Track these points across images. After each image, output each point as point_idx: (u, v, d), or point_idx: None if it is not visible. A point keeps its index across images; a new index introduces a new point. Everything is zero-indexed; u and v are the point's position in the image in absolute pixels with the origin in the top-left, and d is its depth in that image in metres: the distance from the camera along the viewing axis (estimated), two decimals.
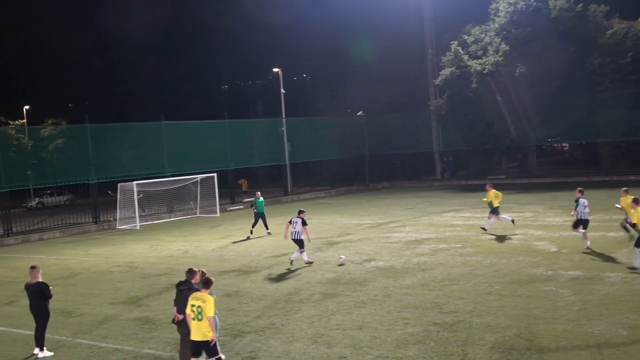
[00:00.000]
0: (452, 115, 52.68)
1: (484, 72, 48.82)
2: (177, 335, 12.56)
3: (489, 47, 50.16)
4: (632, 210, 18.01)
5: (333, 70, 68.61)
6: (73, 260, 27.83)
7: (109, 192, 44.84)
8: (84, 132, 42.10)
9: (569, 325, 13.29)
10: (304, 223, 21.59)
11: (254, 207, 31.06)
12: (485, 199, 26.86)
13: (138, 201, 39.59)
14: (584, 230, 21.28)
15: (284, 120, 53.94)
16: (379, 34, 62.53)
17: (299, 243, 21.70)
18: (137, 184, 39.39)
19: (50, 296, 14.16)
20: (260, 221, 30.83)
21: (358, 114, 62.37)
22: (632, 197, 18.89)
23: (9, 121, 71.42)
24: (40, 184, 42.38)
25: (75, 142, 44.82)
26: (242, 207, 46.19)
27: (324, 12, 67.69)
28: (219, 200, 44.52)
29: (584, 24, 48.15)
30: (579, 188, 22.46)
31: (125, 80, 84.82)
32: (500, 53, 48.73)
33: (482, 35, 51.52)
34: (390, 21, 60.99)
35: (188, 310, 11.42)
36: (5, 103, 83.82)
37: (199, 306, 11.23)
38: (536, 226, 26.94)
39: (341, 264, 21.20)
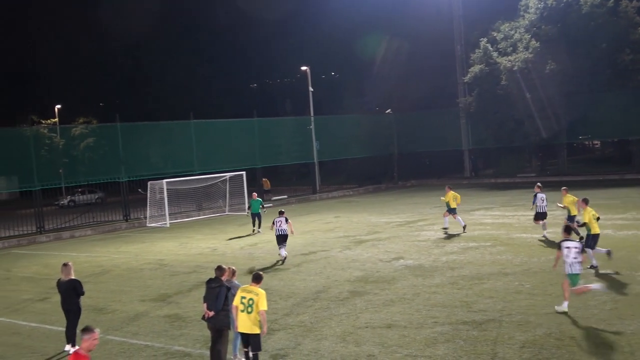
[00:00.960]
0: (481, 112, 52.36)
1: (514, 69, 48.44)
2: (207, 333, 12.64)
3: (518, 44, 49.75)
4: (582, 210, 18.61)
5: (361, 68, 68.47)
6: (104, 257, 28.14)
7: (139, 190, 45.23)
8: (115, 131, 42.49)
9: (601, 324, 13.15)
10: (287, 220, 23.54)
11: (249, 208, 32.28)
12: (443, 199, 28.21)
13: (168, 199, 39.86)
14: (544, 221, 23.82)
15: (312, 119, 53.98)
16: (407, 31, 62.35)
17: (284, 239, 23.44)
18: (166, 182, 39.66)
19: (82, 293, 14.32)
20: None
21: (387, 112, 62.20)
22: (572, 196, 21.79)
23: (41, 120, 72.31)
24: (71, 182, 42.85)
25: (106, 141, 45.31)
26: (271, 205, 46.28)
27: (352, 9, 67.57)
28: (248, 198, 44.64)
29: (616, 20, 47.48)
30: (537, 183, 25.08)
31: (155, 79, 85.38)
32: (530, 50, 48.31)
33: (512, 32, 51.12)
34: (419, 18, 60.68)
35: (237, 302, 11.52)
36: (37, 102, 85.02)
37: (250, 299, 11.35)
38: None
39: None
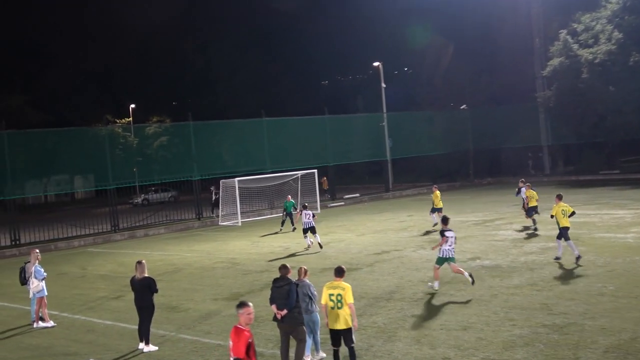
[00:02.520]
0: (561, 107, 51.15)
1: (596, 61, 47.15)
2: (279, 332, 12.71)
3: (600, 35, 48.41)
4: (554, 205, 20.54)
5: (434, 62, 67.80)
6: (177, 256, 28.69)
7: (212, 188, 45.93)
8: (187, 130, 43.23)
9: None
10: (313, 215, 26.65)
11: (285, 210, 34.04)
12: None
13: (240, 198, 40.34)
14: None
15: (384, 115, 53.74)
16: (482, 23, 61.45)
17: (313, 230, 26.76)
18: (238, 180, 40.11)
19: (156, 290, 14.57)
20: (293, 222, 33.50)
21: (461, 107, 61.44)
22: (533, 191, 28.03)
23: (116, 120, 74.18)
24: (145, 181, 43.76)
25: (178, 140, 46.19)
26: (342, 203, 46.32)
27: (424, 2, 66.99)
28: (319, 197, 44.81)
29: None
30: (521, 179, 29.39)
31: (226, 77, 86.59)
32: (612, 41, 46.94)
33: (593, 23, 49.77)
34: (496, 10, 59.75)
35: (325, 301, 11.66)
36: (112, 102, 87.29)
37: (338, 294, 11.50)
38: None
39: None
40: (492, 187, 52.91)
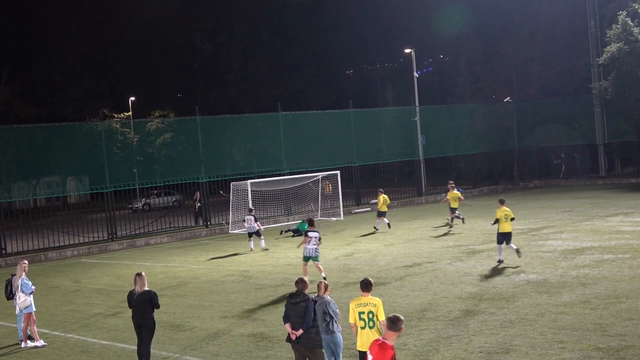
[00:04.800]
0: (620, 99, 50.85)
1: None
2: (293, 355, 12.75)
3: None
4: (497, 209, 23.91)
5: (475, 49, 67.62)
6: (182, 268, 28.85)
7: (221, 192, 46.02)
8: (194, 125, 43.31)
9: None
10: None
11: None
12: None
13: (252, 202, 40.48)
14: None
15: (417, 109, 53.67)
16: (529, 5, 61.13)
17: (258, 233, 31.73)
18: (251, 183, 40.19)
19: (158, 306, 14.60)
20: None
21: (505, 100, 61.22)
22: (456, 192, 34.12)
23: (113, 114, 74.57)
24: (146, 183, 44.00)
25: (184, 137, 46.35)
26: (369, 209, 46.32)
27: None
28: (343, 202, 44.80)
29: None
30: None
31: (239, 66, 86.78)
32: None
33: None
34: None
35: (353, 320, 11.73)
36: (110, 94, 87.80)
37: (370, 312, 11.58)
38: None
39: None
40: (539, 190, 52.70)
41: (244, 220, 32.68)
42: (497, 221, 23.66)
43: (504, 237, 23.38)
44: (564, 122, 56.75)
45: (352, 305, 11.80)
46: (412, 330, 15.89)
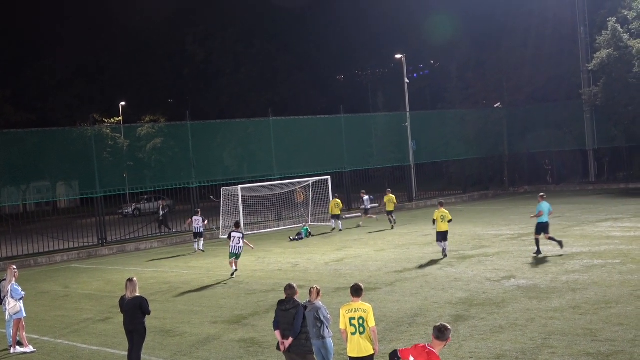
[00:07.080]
0: (610, 105, 50.98)
1: None
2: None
3: None
4: (436, 210, 27.00)
5: (465, 55, 67.81)
6: (172, 273, 28.80)
7: (211, 197, 45.96)
8: (185, 130, 43.29)
9: None
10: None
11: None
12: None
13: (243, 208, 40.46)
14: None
15: (408, 114, 53.73)
16: (520, 12, 61.32)
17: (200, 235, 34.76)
18: (242, 188, 40.18)
19: (149, 312, 14.59)
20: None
21: (495, 105, 61.37)
22: (392, 195, 39.15)
23: (103, 119, 74.52)
24: (137, 188, 43.92)
25: (175, 142, 46.36)
26: (359, 214, 46.30)
27: None
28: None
29: None
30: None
31: (230, 72, 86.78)
32: None
33: None
34: None
35: (344, 326, 11.69)
36: (100, 99, 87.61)
37: (360, 317, 11.55)
38: None
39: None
40: (529, 196, 52.67)
41: (193, 221, 35.05)
42: (434, 222, 26.79)
43: (441, 236, 26.51)
44: (554, 127, 56.89)
45: (342, 311, 11.78)
46: (402, 336, 15.89)
